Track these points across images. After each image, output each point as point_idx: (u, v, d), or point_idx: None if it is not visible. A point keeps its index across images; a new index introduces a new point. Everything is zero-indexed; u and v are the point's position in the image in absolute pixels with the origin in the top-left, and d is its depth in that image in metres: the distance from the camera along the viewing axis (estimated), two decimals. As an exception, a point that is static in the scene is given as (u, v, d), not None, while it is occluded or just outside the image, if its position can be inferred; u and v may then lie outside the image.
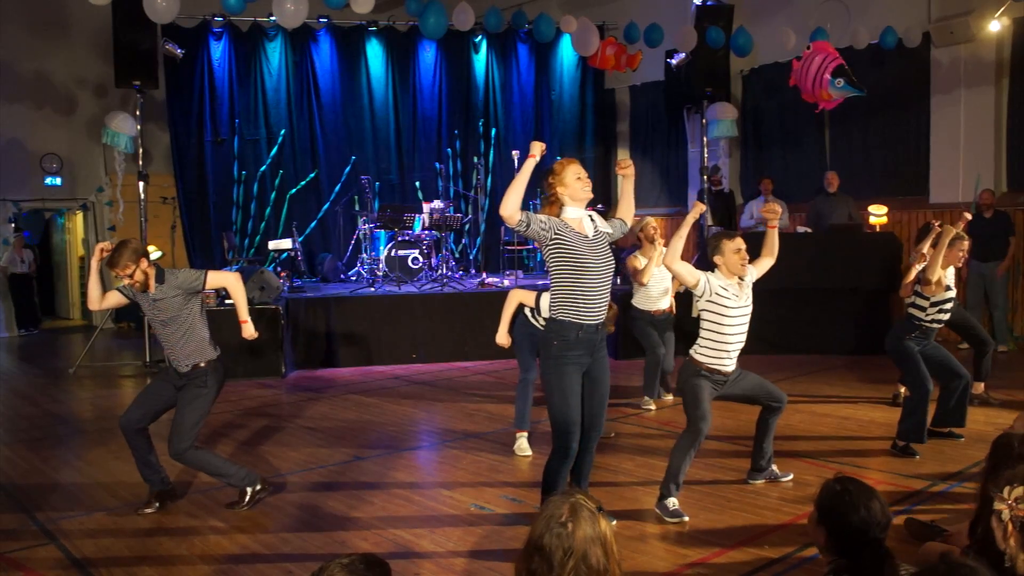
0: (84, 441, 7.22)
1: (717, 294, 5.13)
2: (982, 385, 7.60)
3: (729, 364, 5.20)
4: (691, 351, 5.28)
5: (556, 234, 4.33)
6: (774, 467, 5.68)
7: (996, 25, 10.92)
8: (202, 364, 5.19)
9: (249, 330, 5.38)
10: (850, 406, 7.82)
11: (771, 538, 4.60)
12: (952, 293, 6.30)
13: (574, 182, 4.48)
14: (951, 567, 2.24)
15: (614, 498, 5.25)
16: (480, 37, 14.57)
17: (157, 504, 5.26)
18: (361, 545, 4.60)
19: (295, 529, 4.94)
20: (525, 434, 6.51)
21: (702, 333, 5.22)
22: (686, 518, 4.93)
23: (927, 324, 6.28)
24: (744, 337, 5.22)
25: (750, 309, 5.26)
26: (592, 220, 4.55)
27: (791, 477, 5.65)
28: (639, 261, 7.77)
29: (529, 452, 6.40)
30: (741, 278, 5.24)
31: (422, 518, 5.08)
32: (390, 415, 7.93)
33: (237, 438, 7.07)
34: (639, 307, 7.94)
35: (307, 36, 13.79)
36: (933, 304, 6.23)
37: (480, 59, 14.84)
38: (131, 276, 5.04)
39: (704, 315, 5.23)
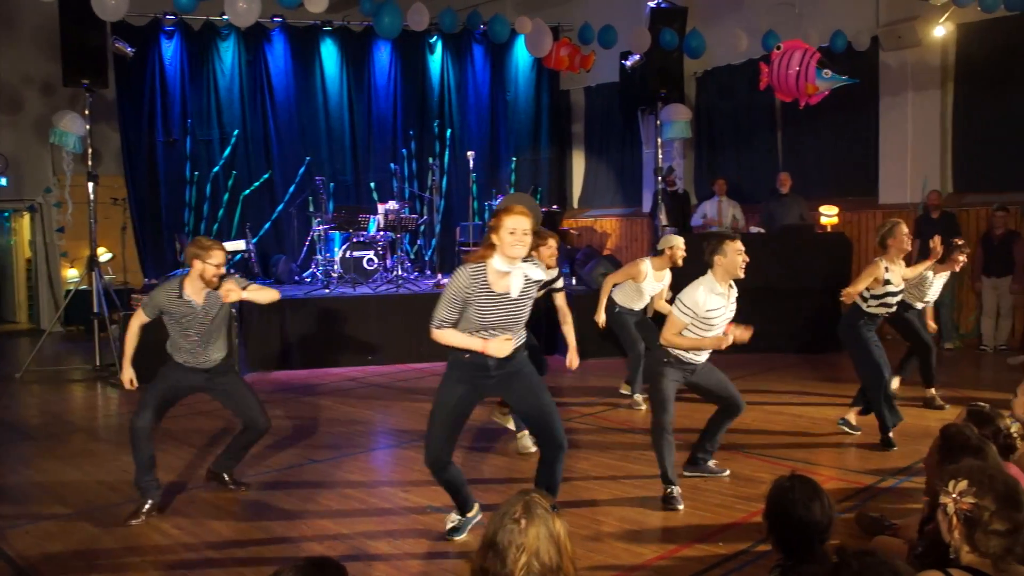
0: (32, 447, 7.08)
1: (706, 314, 5.18)
2: (932, 390, 7.74)
3: (701, 357, 5.34)
4: (663, 337, 5.30)
5: (466, 296, 4.28)
6: (712, 463, 5.77)
7: (941, 30, 11.15)
8: (226, 355, 5.48)
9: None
10: (802, 403, 7.93)
11: (725, 535, 4.65)
12: (892, 289, 6.42)
13: (507, 236, 4.19)
14: (860, 560, 2.29)
15: (571, 497, 5.27)
16: (435, 38, 14.54)
17: (154, 513, 5.13)
18: (315, 548, 4.56)
19: (249, 533, 4.89)
20: (525, 432, 6.46)
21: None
22: (680, 507, 5.10)
23: (870, 311, 6.46)
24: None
25: (733, 313, 5.34)
26: (525, 275, 4.32)
27: (727, 473, 5.72)
28: (644, 271, 7.58)
29: (532, 448, 6.20)
30: (733, 282, 5.30)
31: (377, 520, 5.06)
32: (345, 417, 7.88)
33: (191, 441, 6.97)
34: (623, 304, 7.85)
35: (260, 35, 13.66)
36: (873, 296, 6.41)
37: (435, 60, 14.81)
38: (217, 267, 5.16)
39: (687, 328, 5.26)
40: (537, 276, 4.39)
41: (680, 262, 7.53)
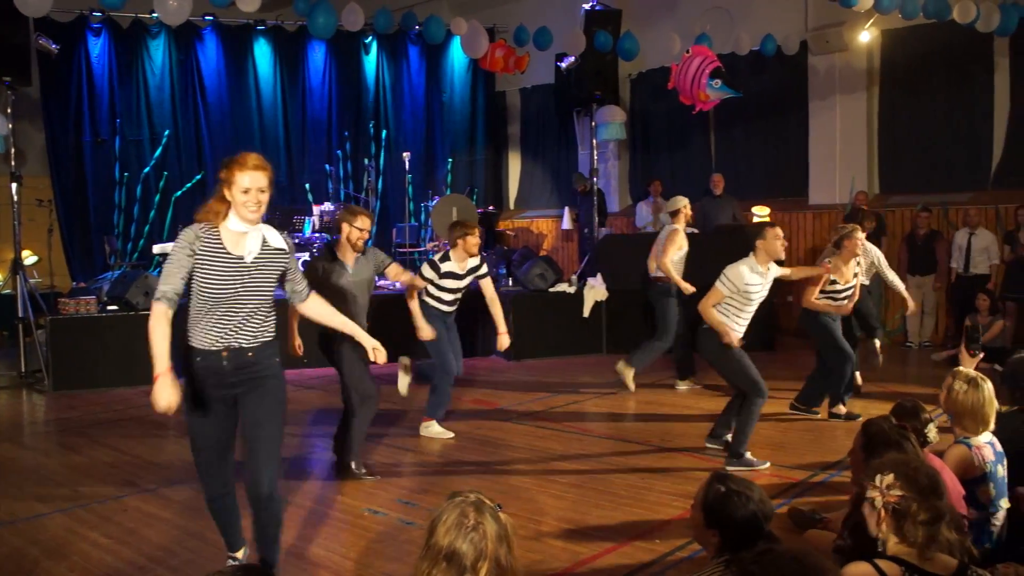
0: (-47, 456, 6.85)
1: (746, 288, 5.82)
2: (857, 374, 7.99)
3: (740, 332, 5.91)
4: (700, 305, 5.93)
5: (195, 258, 3.61)
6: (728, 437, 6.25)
7: (866, 36, 11.45)
8: None
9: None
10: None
11: (662, 532, 4.70)
12: (839, 286, 6.94)
13: (239, 195, 3.62)
14: (760, 561, 2.33)
15: (509, 497, 5.28)
16: (370, 38, 14.46)
17: None
18: (251, 555, 4.49)
19: (181, 540, 4.79)
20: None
21: (721, 308, 5.88)
22: (766, 464, 5.79)
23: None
24: None
25: (767, 292, 6.01)
26: (264, 238, 3.77)
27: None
28: (684, 236, 8.19)
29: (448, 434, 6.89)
30: (776, 262, 6.01)
31: (314, 524, 5.01)
32: (281, 421, 7.77)
33: (119, 447, 6.82)
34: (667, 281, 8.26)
35: (192, 34, 13.42)
36: (822, 292, 6.94)
37: (370, 60, 14.73)
38: (361, 231, 5.62)
39: (728, 299, 5.89)
40: (279, 244, 3.79)
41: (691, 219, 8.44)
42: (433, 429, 6.91)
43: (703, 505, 2.96)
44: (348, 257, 5.69)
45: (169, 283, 3.60)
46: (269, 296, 3.78)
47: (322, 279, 5.51)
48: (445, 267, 6.64)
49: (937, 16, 10.03)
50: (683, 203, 8.29)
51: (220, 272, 3.63)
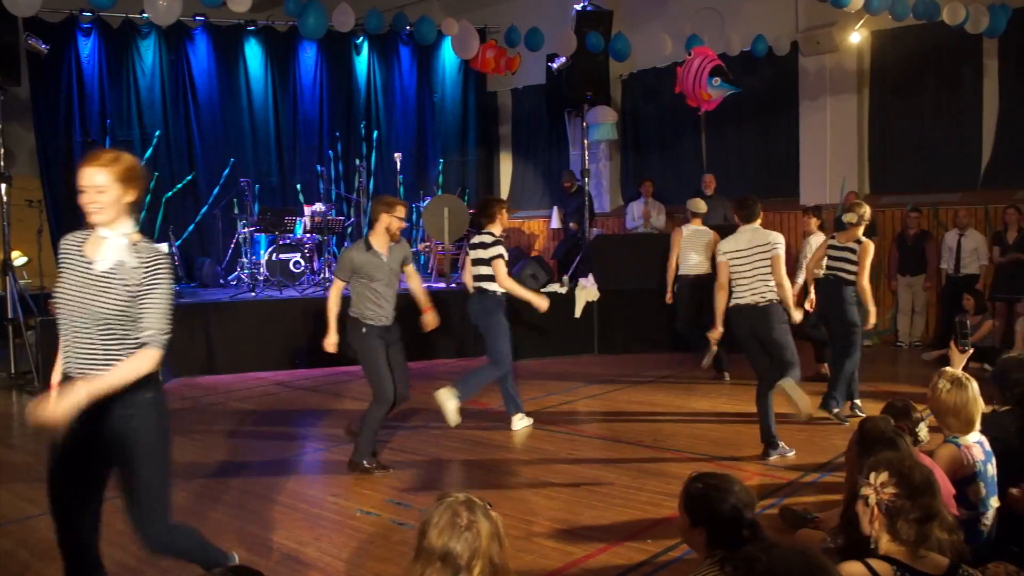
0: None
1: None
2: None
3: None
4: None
5: (60, 261, 3.31)
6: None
7: (856, 37, 11.49)
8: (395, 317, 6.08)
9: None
10: (729, 402, 8.06)
11: (654, 532, 4.71)
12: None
13: (80, 195, 3.21)
14: (770, 554, 2.35)
15: (501, 498, 5.28)
16: (361, 38, 14.43)
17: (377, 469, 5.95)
18: (242, 556, 4.48)
19: (174, 542, 4.78)
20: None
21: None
22: (791, 452, 6.07)
23: None
24: None
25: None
26: (118, 253, 3.22)
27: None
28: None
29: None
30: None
31: (306, 525, 5.01)
32: (272, 422, 7.77)
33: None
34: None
35: (183, 34, 13.38)
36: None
37: (361, 61, 14.71)
38: (402, 220, 6.00)
39: None
40: (132, 264, 3.20)
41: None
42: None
43: (685, 506, 3.01)
44: (383, 246, 5.96)
45: None
46: (122, 317, 3.20)
47: (358, 267, 5.89)
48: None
49: (927, 17, 10.06)
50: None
51: (68, 278, 3.23)
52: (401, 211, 5.98)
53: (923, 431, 4.03)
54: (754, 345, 6.24)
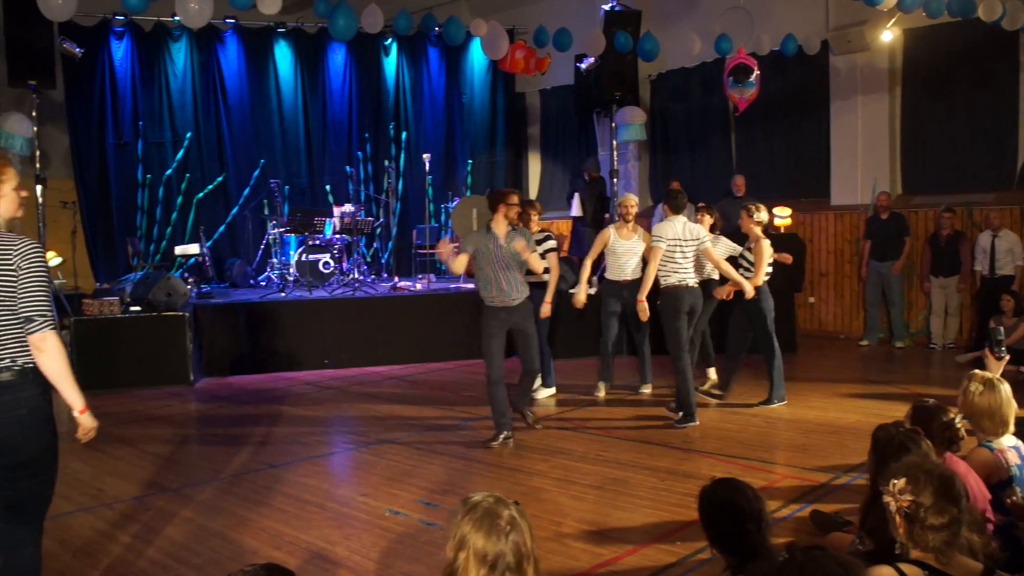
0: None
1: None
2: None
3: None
4: None
5: None
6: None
7: (888, 35, 11.35)
8: (526, 296, 6.78)
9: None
10: (758, 403, 7.99)
11: (682, 534, 4.69)
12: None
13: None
14: (806, 555, 2.33)
15: (529, 498, 5.28)
16: (390, 40, 14.49)
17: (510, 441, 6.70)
18: (273, 554, 4.52)
19: (203, 539, 4.83)
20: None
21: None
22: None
23: None
24: None
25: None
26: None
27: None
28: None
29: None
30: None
31: (336, 525, 5.03)
32: (302, 421, 7.82)
33: (145, 448, 6.88)
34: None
35: (213, 37, 13.50)
36: None
37: (390, 62, 14.76)
38: (517, 205, 6.80)
39: None
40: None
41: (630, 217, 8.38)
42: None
43: (700, 512, 3.14)
44: (501, 231, 6.66)
45: None
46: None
47: (480, 250, 6.61)
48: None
49: (962, 14, 9.92)
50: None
51: None
52: (513, 199, 6.73)
53: (961, 430, 3.92)
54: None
